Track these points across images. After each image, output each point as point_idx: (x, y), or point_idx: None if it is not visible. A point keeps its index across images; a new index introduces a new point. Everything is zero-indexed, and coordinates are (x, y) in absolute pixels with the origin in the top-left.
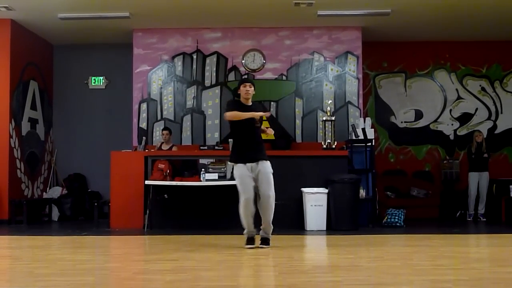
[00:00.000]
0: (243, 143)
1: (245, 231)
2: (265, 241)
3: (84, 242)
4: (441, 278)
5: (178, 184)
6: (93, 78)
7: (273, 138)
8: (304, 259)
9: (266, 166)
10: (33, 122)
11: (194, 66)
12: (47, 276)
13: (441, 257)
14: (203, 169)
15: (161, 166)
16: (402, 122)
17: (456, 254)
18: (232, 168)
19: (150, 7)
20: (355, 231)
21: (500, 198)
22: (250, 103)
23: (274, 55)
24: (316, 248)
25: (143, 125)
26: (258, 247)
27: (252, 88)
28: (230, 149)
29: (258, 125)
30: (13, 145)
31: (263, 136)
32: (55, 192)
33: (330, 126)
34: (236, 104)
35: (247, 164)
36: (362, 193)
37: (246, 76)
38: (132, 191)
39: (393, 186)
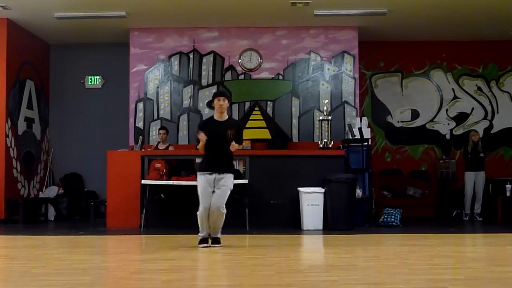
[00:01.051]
0: (213, 155)
1: (199, 233)
2: (216, 241)
3: (80, 242)
4: (438, 278)
5: (174, 183)
6: (89, 77)
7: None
8: (301, 259)
9: (228, 181)
10: (29, 121)
11: (191, 66)
12: (43, 276)
13: (438, 257)
14: None
15: (158, 165)
16: (398, 121)
17: (452, 253)
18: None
19: (147, 6)
20: (351, 231)
21: (496, 198)
22: (224, 118)
23: (270, 55)
24: (312, 247)
25: (140, 124)
26: (211, 247)
27: (226, 101)
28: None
29: (230, 138)
30: (9, 145)
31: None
32: (52, 191)
33: (326, 126)
34: (206, 122)
35: (212, 174)
36: (359, 192)
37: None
38: (129, 191)
39: (389, 186)
